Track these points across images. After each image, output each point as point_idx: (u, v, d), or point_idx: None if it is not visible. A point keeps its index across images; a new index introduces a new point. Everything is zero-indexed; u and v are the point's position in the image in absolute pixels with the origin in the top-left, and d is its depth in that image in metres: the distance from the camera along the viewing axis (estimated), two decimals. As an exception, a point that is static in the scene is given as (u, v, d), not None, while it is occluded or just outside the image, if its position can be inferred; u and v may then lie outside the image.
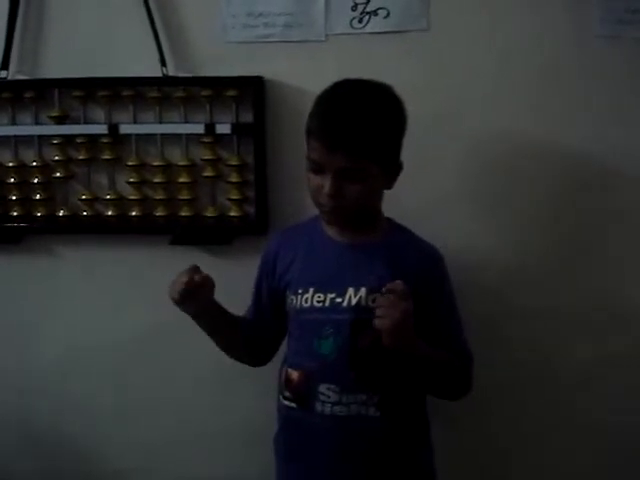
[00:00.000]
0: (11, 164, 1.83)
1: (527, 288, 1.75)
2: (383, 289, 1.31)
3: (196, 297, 1.37)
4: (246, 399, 1.84)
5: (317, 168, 1.36)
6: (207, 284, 1.38)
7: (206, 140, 1.75)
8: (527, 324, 1.75)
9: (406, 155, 1.43)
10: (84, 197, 1.83)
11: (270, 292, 1.54)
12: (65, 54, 1.79)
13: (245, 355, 1.59)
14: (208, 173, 1.77)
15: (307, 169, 1.39)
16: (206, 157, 1.76)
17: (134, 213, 1.81)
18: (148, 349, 1.87)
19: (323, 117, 1.37)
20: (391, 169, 1.41)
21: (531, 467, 1.82)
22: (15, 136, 1.82)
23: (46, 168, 1.83)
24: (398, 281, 1.30)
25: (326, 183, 1.34)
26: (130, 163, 1.79)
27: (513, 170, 1.71)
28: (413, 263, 1.44)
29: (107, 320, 1.88)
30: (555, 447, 1.79)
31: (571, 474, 1.80)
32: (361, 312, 1.40)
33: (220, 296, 1.45)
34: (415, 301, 1.32)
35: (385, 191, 1.45)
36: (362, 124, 1.31)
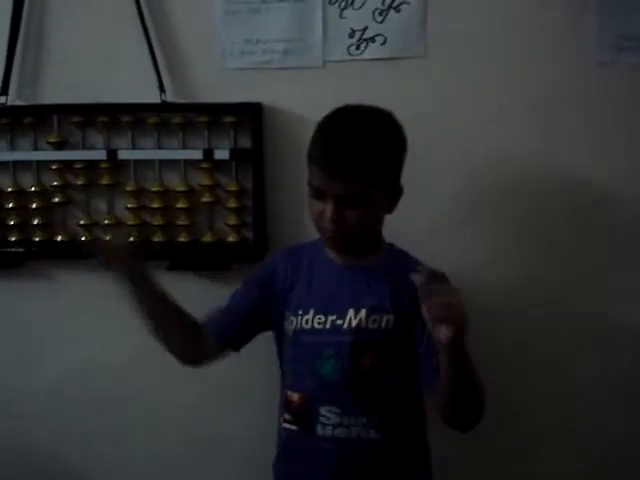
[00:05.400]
0: (10, 189, 1.83)
1: (527, 309, 1.75)
2: (419, 281, 1.15)
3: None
4: (246, 420, 1.84)
5: (318, 194, 1.37)
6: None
7: (204, 166, 1.76)
8: (526, 345, 1.76)
9: (403, 180, 1.43)
10: (82, 222, 1.83)
11: (259, 303, 1.51)
12: (64, 80, 1.80)
13: (185, 351, 1.51)
14: (206, 199, 1.77)
15: (309, 195, 1.40)
16: (204, 183, 1.77)
17: (132, 238, 1.80)
18: (146, 372, 1.86)
19: (323, 144, 1.37)
20: (392, 194, 1.42)
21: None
22: (14, 161, 1.83)
23: (45, 193, 1.84)
24: (432, 270, 1.17)
25: (327, 209, 1.35)
26: (128, 188, 1.79)
27: (511, 195, 1.72)
28: (411, 284, 1.43)
29: (106, 344, 1.87)
30: (555, 466, 1.79)
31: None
32: (362, 334, 1.40)
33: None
34: (415, 322, 1.33)
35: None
36: (362, 151, 1.32)
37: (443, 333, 1.15)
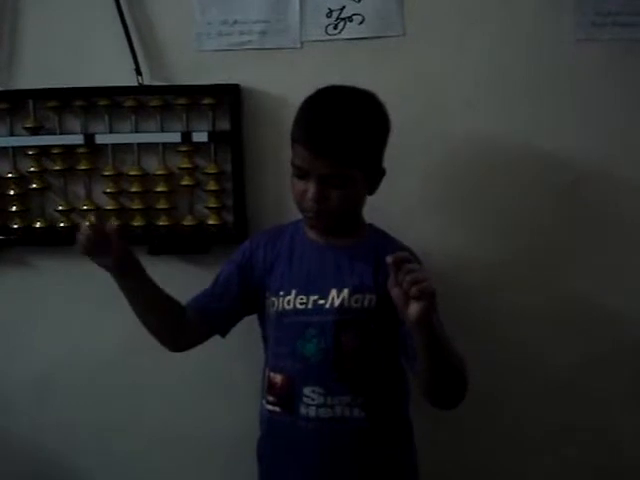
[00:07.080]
0: (-14, 176, 1.81)
1: (508, 290, 1.76)
2: (390, 260, 1.15)
3: (105, 249, 1.31)
4: (230, 404, 1.84)
5: (301, 174, 1.37)
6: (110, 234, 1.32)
7: (183, 149, 1.74)
8: (507, 325, 1.77)
9: (384, 161, 1.43)
10: (60, 208, 1.81)
11: (242, 289, 1.51)
12: (39, 64, 1.78)
13: (172, 336, 1.50)
14: (185, 182, 1.76)
15: (291, 174, 1.40)
16: (183, 166, 1.75)
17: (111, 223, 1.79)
18: (128, 360, 1.85)
19: (307, 124, 1.37)
20: (374, 175, 1.43)
21: (515, 465, 1.82)
22: (-11, 148, 1.80)
23: (22, 180, 1.81)
24: (401, 253, 1.18)
25: (310, 188, 1.36)
26: (106, 173, 1.77)
27: (491, 174, 1.72)
28: None
29: (85, 332, 1.86)
30: (539, 444, 1.80)
31: (555, 473, 1.82)
32: (344, 313, 1.41)
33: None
34: None
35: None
36: (346, 131, 1.32)
37: (413, 309, 1.15)
